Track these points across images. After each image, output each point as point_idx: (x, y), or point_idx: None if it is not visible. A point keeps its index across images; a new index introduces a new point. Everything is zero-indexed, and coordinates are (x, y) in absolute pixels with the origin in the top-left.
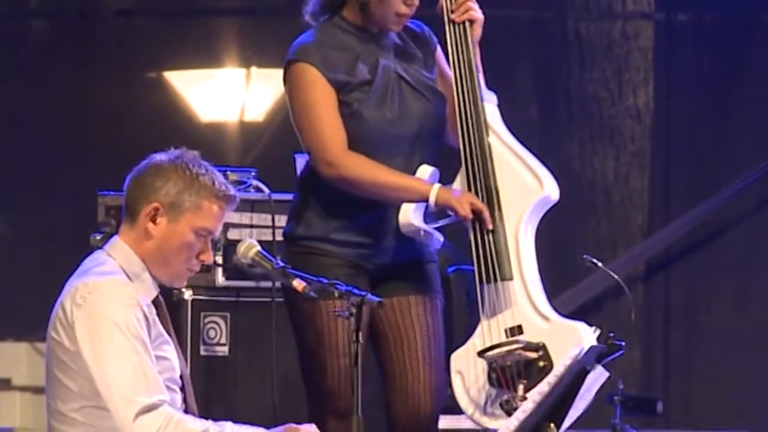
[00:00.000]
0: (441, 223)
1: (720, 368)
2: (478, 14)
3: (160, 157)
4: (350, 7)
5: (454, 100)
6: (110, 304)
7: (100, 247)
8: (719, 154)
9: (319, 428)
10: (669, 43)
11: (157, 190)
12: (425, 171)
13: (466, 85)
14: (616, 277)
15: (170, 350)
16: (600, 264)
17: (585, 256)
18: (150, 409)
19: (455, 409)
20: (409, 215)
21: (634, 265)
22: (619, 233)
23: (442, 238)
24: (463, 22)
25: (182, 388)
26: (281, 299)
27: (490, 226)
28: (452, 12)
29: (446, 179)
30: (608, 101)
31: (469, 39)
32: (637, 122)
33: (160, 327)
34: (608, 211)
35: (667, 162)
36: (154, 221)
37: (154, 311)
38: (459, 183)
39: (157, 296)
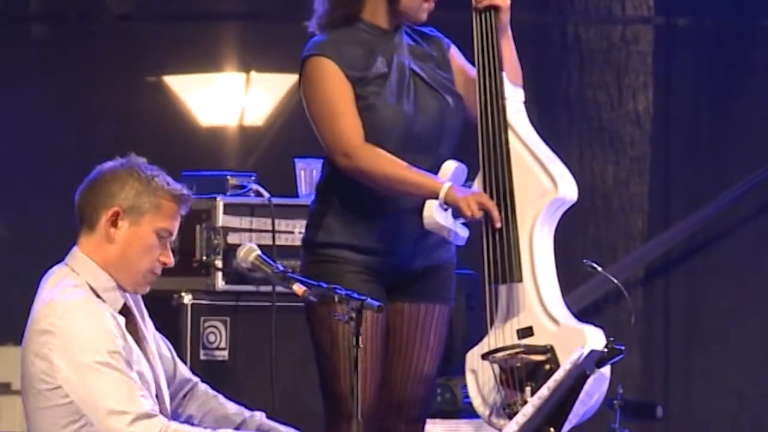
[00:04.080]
0: (460, 219)
1: (720, 373)
2: (500, 1)
3: (110, 164)
4: (370, 5)
5: (476, 98)
6: (81, 325)
7: (61, 260)
8: (719, 158)
9: (333, 431)
10: (669, 47)
11: (114, 195)
12: (450, 166)
13: (488, 84)
14: (615, 281)
15: (141, 362)
16: (600, 268)
17: (585, 260)
18: (146, 416)
19: (454, 414)
20: (433, 211)
21: (633, 269)
22: (618, 238)
23: (466, 234)
24: (489, 12)
25: (157, 396)
26: (281, 303)
27: (498, 225)
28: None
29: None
30: (608, 106)
31: (495, 31)
32: (637, 127)
33: (129, 340)
34: (608, 216)
35: (667, 167)
36: (115, 225)
37: (123, 322)
38: (479, 181)
39: (124, 305)
